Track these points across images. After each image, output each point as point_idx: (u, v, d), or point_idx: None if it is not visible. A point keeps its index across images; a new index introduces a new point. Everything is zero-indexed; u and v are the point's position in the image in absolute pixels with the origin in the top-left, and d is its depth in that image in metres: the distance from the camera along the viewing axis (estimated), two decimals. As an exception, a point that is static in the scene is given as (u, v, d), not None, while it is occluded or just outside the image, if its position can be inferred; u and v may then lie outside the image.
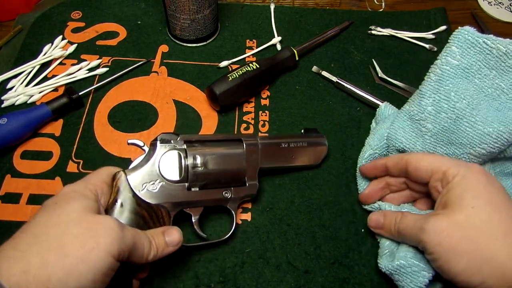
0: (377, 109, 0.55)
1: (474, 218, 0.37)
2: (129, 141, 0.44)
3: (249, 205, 0.50)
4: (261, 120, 0.57)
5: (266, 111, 0.58)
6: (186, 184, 0.43)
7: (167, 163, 0.42)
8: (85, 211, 0.35)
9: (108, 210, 0.39)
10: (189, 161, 0.43)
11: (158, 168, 0.42)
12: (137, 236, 0.36)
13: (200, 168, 0.43)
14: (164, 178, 0.42)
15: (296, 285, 0.44)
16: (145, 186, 0.41)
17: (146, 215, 0.40)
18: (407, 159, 0.44)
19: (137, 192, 0.40)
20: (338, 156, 0.54)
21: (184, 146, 0.43)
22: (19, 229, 0.34)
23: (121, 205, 0.39)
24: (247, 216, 0.49)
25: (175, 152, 0.43)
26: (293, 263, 0.46)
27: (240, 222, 0.48)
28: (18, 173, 0.50)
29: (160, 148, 0.43)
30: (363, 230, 0.48)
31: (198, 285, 0.44)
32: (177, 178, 0.42)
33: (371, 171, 0.48)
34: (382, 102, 0.55)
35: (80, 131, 0.54)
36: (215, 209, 0.47)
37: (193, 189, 0.43)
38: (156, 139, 0.43)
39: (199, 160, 0.43)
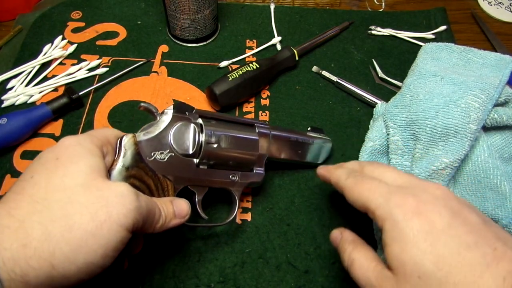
0: (374, 109, 0.55)
1: None
2: (142, 105, 0.40)
3: (249, 205, 0.50)
4: (261, 120, 0.57)
5: (266, 111, 0.58)
6: (196, 160, 0.41)
7: (180, 135, 0.40)
8: (93, 173, 0.30)
9: (111, 174, 0.35)
10: (204, 137, 0.40)
11: (170, 138, 0.39)
12: (150, 204, 0.33)
13: (214, 146, 0.41)
14: (175, 149, 0.39)
15: (296, 285, 0.44)
16: (154, 154, 0.38)
17: (152, 184, 0.37)
18: (342, 186, 0.38)
19: (145, 159, 0.37)
20: (338, 156, 0.54)
21: (200, 121, 0.41)
22: (12, 187, 0.30)
23: (127, 169, 0.36)
24: (247, 216, 0.49)
25: (191, 125, 0.40)
26: (293, 263, 0.46)
27: (240, 222, 0.48)
28: (18, 173, 0.50)
29: (174, 117, 0.40)
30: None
31: (198, 285, 0.44)
32: (188, 152, 0.40)
33: (323, 179, 0.44)
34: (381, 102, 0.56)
35: (80, 131, 0.54)
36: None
37: (201, 167, 0.41)
38: (169, 107, 0.41)
39: (213, 138, 0.41)
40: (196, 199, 0.42)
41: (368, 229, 0.46)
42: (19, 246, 0.26)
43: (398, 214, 0.32)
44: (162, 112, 0.40)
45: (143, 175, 0.37)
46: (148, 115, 0.51)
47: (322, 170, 0.44)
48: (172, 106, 0.40)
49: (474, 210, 0.33)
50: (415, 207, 0.31)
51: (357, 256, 0.35)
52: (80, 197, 0.29)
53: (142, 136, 0.38)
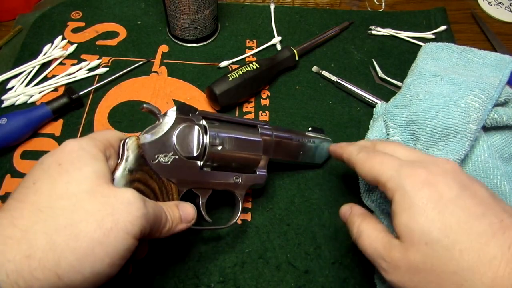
0: (374, 109, 0.55)
1: (432, 258, 0.30)
2: (145, 106, 0.38)
3: (249, 205, 0.50)
4: (261, 120, 0.57)
5: (266, 111, 0.58)
6: (200, 163, 0.40)
7: (184, 137, 0.39)
8: (98, 179, 0.30)
9: (115, 178, 0.34)
10: (208, 139, 0.40)
11: (173, 140, 0.38)
12: (157, 209, 0.33)
13: (218, 148, 0.41)
14: (179, 152, 0.38)
15: (296, 285, 0.44)
16: (157, 157, 0.37)
17: (156, 188, 0.36)
18: (354, 161, 0.39)
19: (149, 162, 0.36)
20: (338, 156, 0.54)
21: (204, 122, 0.41)
22: (13, 194, 0.29)
23: (130, 173, 0.35)
24: (247, 216, 0.49)
25: (195, 127, 0.40)
26: (293, 263, 0.46)
27: (240, 222, 0.48)
28: (18, 173, 0.50)
29: (177, 119, 0.39)
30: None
31: (198, 285, 0.44)
32: (192, 154, 0.39)
33: (336, 156, 0.44)
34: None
35: (80, 131, 0.54)
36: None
37: (205, 169, 0.41)
38: (172, 109, 0.40)
39: (218, 140, 0.40)
40: (200, 202, 0.42)
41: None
42: (22, 257, 0.26)
43: (408, 184, 0.32)
44: (165, 114, 0.39)
45: (147, 179, 0.36)
46: (147, 115, 0.51)
47: (335, 147, 0.44)
48: (175, 108, 0.40)
49: (483, 185, 0.34)
50: (425, 178, 0.32)
51: (365, 227, 0.36)
52: (85, 204, 0.28)
53: (145, 138, 0.37)
